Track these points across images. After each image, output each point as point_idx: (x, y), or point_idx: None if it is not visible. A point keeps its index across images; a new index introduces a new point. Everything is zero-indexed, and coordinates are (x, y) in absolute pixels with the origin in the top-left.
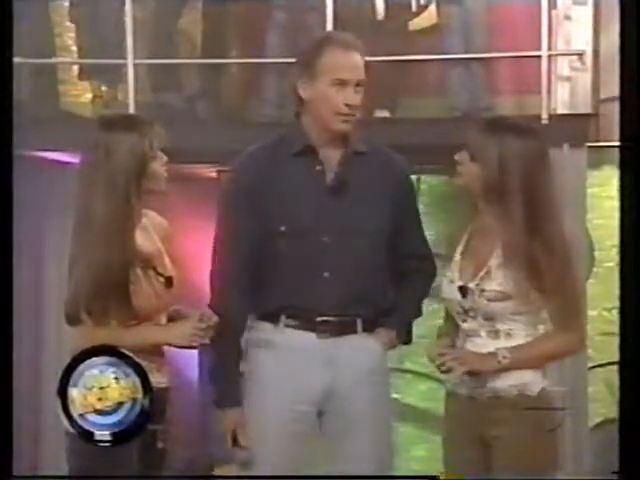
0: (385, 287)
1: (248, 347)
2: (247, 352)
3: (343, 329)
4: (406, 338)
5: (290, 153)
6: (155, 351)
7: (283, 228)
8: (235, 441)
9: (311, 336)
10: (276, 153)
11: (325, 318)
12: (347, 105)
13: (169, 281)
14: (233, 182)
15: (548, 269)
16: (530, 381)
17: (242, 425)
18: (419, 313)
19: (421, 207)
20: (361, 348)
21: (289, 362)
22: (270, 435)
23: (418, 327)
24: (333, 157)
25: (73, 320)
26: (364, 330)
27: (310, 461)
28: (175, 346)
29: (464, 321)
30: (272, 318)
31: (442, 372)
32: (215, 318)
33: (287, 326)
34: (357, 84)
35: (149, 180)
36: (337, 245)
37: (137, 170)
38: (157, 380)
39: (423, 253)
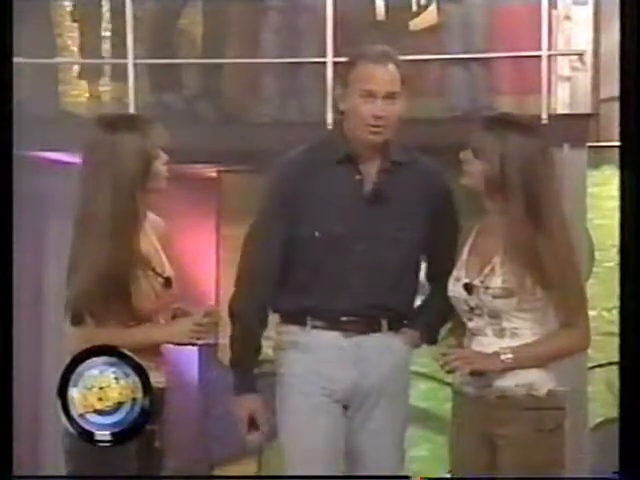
0: (413, 295)
1: (276, 350)
2: (275, 355)
3: (368, 328)
4: (431, 339)
5: (331, 160)
6: (154, 351)
7: (317, 234)
8: (251, 426)
9: (337, 335)
10: (317, 158)
11: (350, 318)
12: (376, 116)
13: (168, 281)
14: (272, 184)
15: (552, 266)
16: (537, 381)
17: (258, 410)
18: (445, 318)
19: None
20: (386, 347)
21: (317, 362)
22: (302, 433)
23: None
24: (372, 167)
25: (77, 320)
26: (389, 329)
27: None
28: (176, 344)
29: (470, 319)
30: (299, 320)
31: (446, 372)
32: (218, 315)
33: (314, 327)
34: (387, 96)
35: (153, 180)
36: (369, 254)
37: (141, 170)
38: (155, 380)
39: (449, 263)
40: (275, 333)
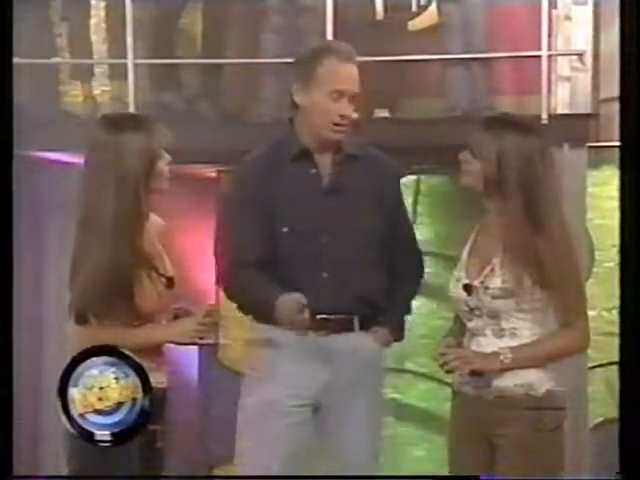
0: (380, 286)
1: (249, 345)
2: (249, 350)
3: (341, 327)
4: (399, 336)
5: (286, 158)
6: (155, 351)
7: (285, 229)
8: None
9: (309, 333)
10: (273, 158)
11: (323, 316)
12: (342, 116)
13: (170, 281)
14: (235, 189)
15: (551, 265)
16: (536, 381)
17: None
18: (410, 311)
19: (422, 207)
20: (358, 346)
21: (288, 359)
22: (268, 429)
23: (419, 327)
24: (327, 160)
25: (80, 320)
26: (361, 328)
27: (304, 456)
28: (178, 344)
29: (470, 320)
30: (271, 318)
31: (445, 372)
32: (218, 314)
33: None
34: (352, 95)
35: (156, 180)
36: (334, 245)
37: (145, 170)
38: (157, 380)
39: (413, 254)
40: (248, 330)
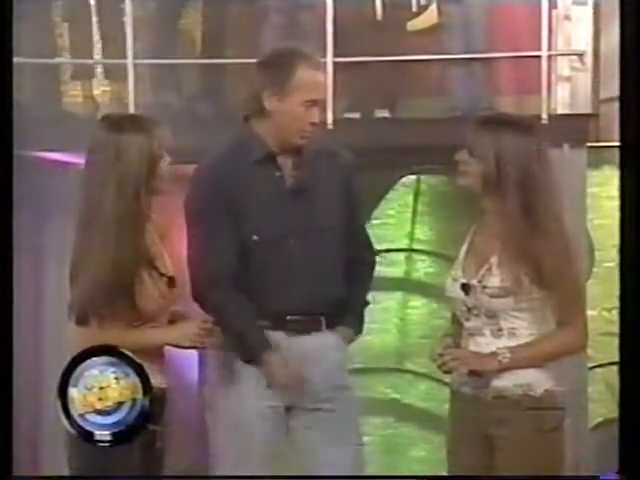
0: (342, 282)
1: (221, 349)
2: (224, 353)
3: (310, 327)
4: (360, 331)
5: (249, 161)
6: (155, 352)
7: (255, 237)
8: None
9: (280, 335)
10: (235, 162)
11: (293, 317)
12: (312, 123)
13: (171, 281)
14: (196, 195)
15: (548, 264)
16: (534, 381)
17: (283, 364)
18: (368, 303)
19: (421, 207)
20: (326, 345)
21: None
22: (240, 431)
23: (418, 327)
24: (290, 161)
25: (81, 320)
26: (327, 327)
27: (277, 458)
28: (179, 347)
29: (467, 320)
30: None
31: (443, 372)
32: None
33: (260, 326)
34: (322, 102)
35: (157, 180)
36: (302, 247)
37: (146, 170)
38: (157, 381)
39: (367, 246)
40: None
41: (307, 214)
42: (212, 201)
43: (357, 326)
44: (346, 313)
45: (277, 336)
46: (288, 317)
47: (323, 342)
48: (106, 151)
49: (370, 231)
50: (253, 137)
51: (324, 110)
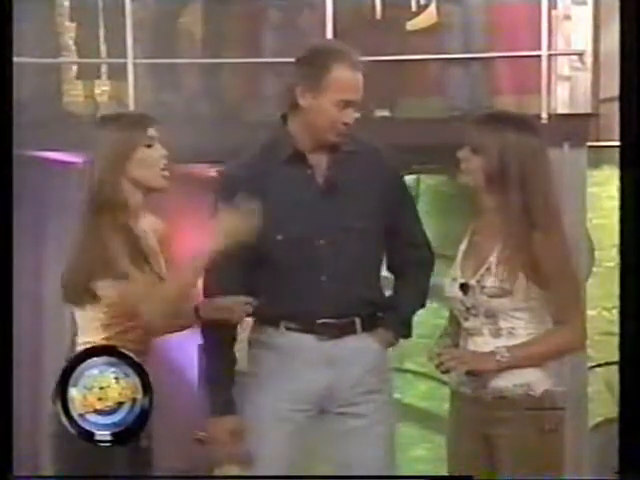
0: (378, 283)
1: (251, 348)
2: (250, 353)
3: (342, 330)
4: (406, 333)
5: (279, 160)
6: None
7: (280, 237)
8: (231, 445)
9: (311, 338)
10: (264, 161)
11: (324, 320)
12: (345, 123)
13: (162, 280)
14: (225, 194)
15: (548, 263)
16: (534, 381)
17: (238, 431)
18: (421, 306)
19: (421, 207)
20: (361, 348)
21: (290, 363)
22: (270, 435)
23: (418, 327)
24: (322, 160)
25: (71, 300)
26: (363, 330)
27: (309, 461)
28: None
29: (466, 319)
30: (272, 322)
31: (441, 372)
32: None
33: (288, 329)
34: (357, 103)
35: (140, 167)
36: (332, 247)
37: (123, 154)
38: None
39: (420, 242)
40: (249, 331)
41: (337, 214)
42: (236, 198)
43: (401, 329)
44: (388, 315)
45: (306, 339)
46: (317, 320)
47: (356, 345)
48: (92, 145)
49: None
50: (285, 135)
51: (358, 110)
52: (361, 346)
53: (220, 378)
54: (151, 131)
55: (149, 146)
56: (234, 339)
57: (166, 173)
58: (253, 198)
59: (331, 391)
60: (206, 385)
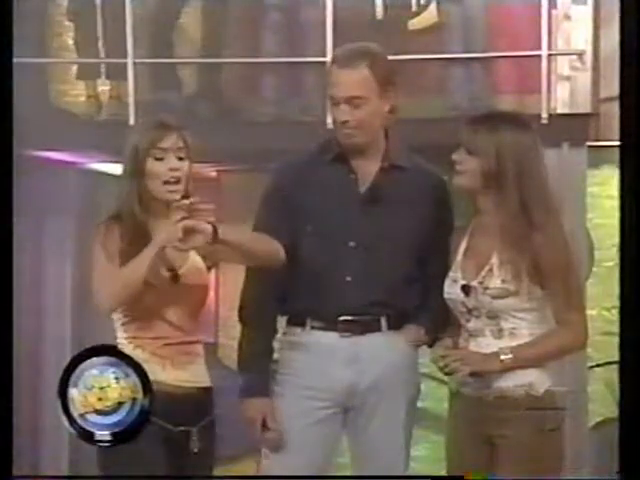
0: (413, 293)
1: (281, 350)
2: (280, 355)
3: (366, 328)
4: (431, 339)
5: (324, 159)
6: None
7: (309, 228)
8: (264, 427)
9: (334, 336)
10: (312, 158)
11: (347, 317)
12: (340, 121)
13: (174, 277)
14: (268, 186)
15: (547, 263)
16: (536, 381)
17: (270, 412)
18: (442, 319)
19: None
20: (385, 346)
21: (315, 362)
22: (296, 432)
23: None
24: (367, 167)
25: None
26: (389, 328)
27: (334, 458)
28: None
29: (468, 321)
30: (299, 321)
31: (445, 374)
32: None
33: (313, 328)
34: (348, 100)
35: (149, 179)
36: (363, 251)
37: (132, 166)
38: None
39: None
40: (281, 333)
41: (373, 221)
42: (275, 194)
43: (427, 332)
44: (418, 315)
45: (330, 337)
46: (341, 318)
47: (380, 342)
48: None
49: None
50: (332, 138)
51: (359, 108)
52: (386, 344)
53: (253, 363)
54: (166, 142)
55: (159, 159)
56: (271, 328)
57: (172, 188)
58: (293, 191)
59: (354, 389)
60: (240, 370)
